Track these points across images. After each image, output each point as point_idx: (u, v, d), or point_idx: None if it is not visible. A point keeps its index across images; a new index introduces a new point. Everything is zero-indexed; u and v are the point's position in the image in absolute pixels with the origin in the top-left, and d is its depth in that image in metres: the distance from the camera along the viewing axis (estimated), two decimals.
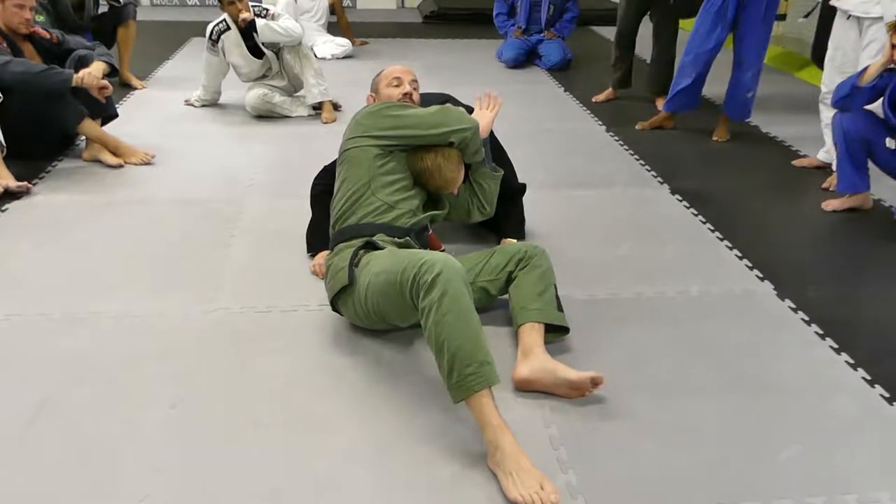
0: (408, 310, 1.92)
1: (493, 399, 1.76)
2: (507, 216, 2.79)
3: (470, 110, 2.57)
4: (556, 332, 2.19)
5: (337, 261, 2.22)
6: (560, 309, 2.20)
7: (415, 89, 2.53)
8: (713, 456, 1.81)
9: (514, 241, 2.66)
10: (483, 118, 2.51)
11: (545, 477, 1.66)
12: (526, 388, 2.01)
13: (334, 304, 2.24)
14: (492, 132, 2.63)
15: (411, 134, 2.32)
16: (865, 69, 3.08)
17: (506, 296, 2.28)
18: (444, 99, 2.67)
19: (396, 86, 2.50)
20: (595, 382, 1.95)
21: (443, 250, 2.33)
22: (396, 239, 2.21)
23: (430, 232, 2.39)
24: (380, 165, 2.28)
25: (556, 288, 2.24)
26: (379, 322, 2.15)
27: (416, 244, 2.27)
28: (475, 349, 1.76)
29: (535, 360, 2.03)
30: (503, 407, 1.82)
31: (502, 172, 2.63)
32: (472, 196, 2.58)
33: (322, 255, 2.56)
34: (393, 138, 2.31)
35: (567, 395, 1.98)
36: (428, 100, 2.59)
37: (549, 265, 2.27)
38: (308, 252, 2.71)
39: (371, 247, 2.15)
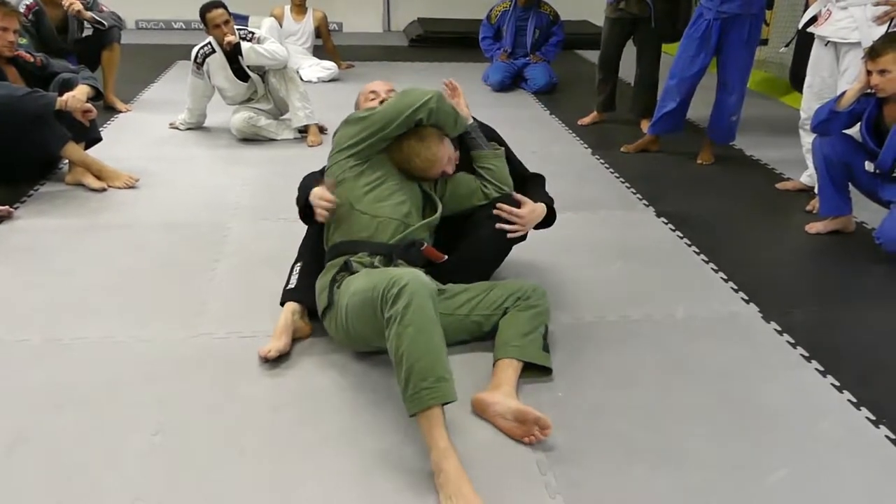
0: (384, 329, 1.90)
1: (445, 419, 1.76)
2: (531, 191, 2.61)
3: (491, 130, 2.66)
4: (536, 371, 2.16)
5: (322, 281, 2.26)
6: (546, 349, 2.18)
7: (388, 93, 2.59)
8: (701, 479, 1.80)
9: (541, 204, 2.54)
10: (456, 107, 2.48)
11: None
12: (480, 410, 1.98)
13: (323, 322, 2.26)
14: (495, 132, 2.68)
15: (379, 128, 2.32)
16: (843, 94, 3.11)
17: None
18: (491, 134, 2.65)
19: (373, 99, 2.58)
20: (539, 424, 1.87)
21: (445, 261, 2.31)
22: (377, 260, 2.21)
23: (426, 246, 2.30)
24: (357, 175, 2.31)
25: (546, 328, 2.23)
26: (361, 343, 2.16)
27: (403, 261, 2.24)
28: (434, 364, 1.77)
29: (499, 390, 2.01)
30: (493, 431, 1.79)
31: (503, 149, 2.58)
32: (482, 181, 2.49)
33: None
34: (365, 140, 2.33)
35: (509, 429, 1.91)
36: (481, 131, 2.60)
37: (546, 307, 2.27)
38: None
39: (349, 269, 2.18)
